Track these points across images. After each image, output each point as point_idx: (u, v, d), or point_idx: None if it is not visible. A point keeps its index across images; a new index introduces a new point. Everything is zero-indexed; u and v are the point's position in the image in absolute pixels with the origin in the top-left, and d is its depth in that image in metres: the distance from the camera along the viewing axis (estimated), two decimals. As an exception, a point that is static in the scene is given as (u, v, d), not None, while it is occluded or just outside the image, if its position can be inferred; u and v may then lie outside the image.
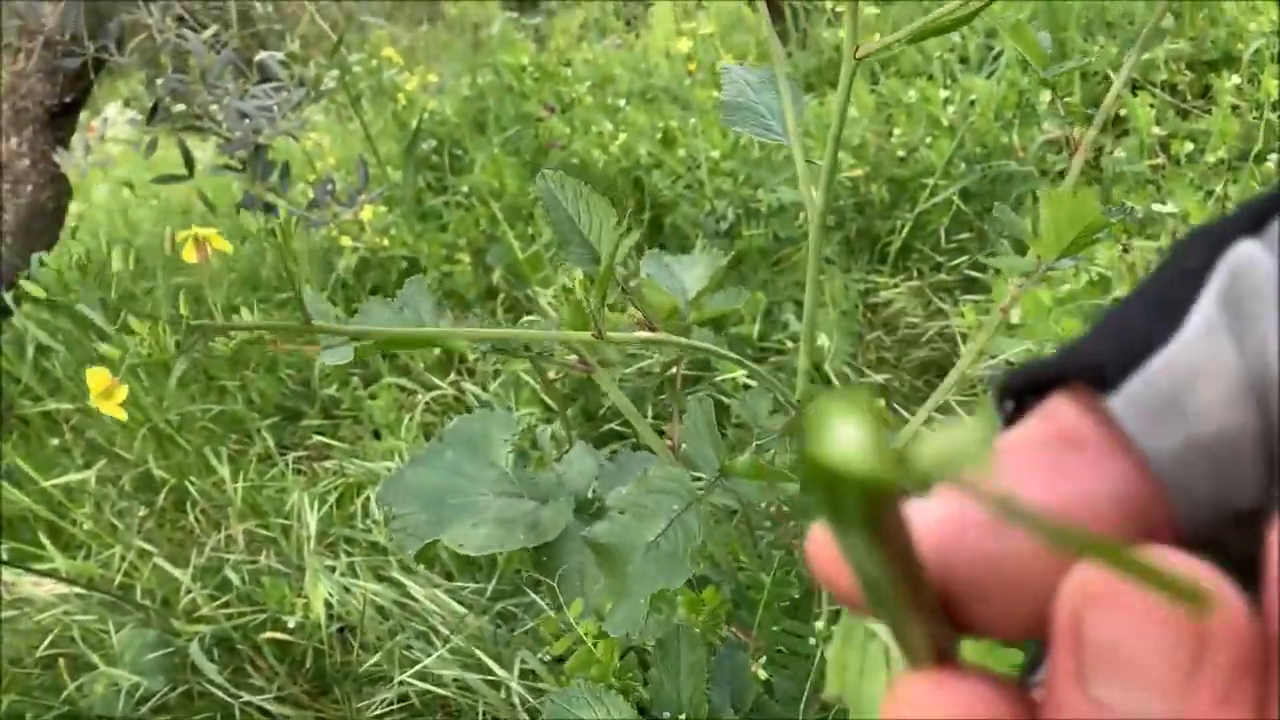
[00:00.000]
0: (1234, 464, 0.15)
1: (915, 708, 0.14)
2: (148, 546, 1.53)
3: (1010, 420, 0.17)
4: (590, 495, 1.06)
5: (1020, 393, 0.17)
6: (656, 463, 1.00)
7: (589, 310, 0.67)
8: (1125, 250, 0.92)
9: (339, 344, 0.80)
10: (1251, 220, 0.17)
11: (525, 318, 1.96)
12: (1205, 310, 0.16)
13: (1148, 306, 0.16)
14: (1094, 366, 0.16)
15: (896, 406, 1.51)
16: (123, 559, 1.52)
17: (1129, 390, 0.15)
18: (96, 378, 0.72)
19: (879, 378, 1.68)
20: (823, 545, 0.15)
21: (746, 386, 1.62)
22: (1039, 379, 0.16)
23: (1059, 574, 0.13)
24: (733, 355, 0.76)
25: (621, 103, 2.80)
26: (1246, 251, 0.16)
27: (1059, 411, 0.16)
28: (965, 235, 2.01)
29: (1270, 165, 1.72)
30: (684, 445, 0.94)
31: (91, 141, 1.98)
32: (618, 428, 1.61)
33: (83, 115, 2.06)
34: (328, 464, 1.74)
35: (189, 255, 0.75)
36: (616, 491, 0.85)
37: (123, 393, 0.72)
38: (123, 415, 0.73)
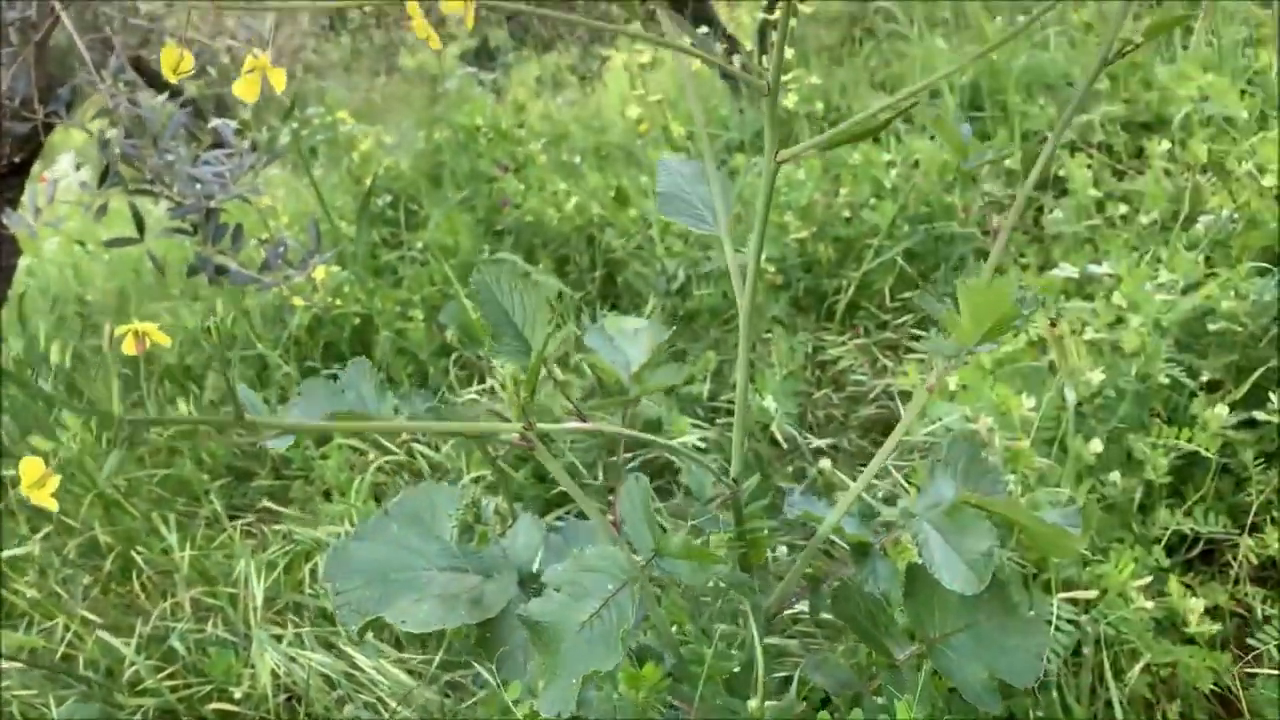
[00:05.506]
0: None
1: None
2: (92, 616, 1.52)
3: None
4: (535, 569, 1.07)
5: None
6: (597, 537, 1.02)
7: (518, 404, 0.69)
8: (1053, 322, 0.95)
9: (276, 434, 0.81)
10: None
11: (474, 384, 1.97)
12: None
13: None
14: None
15: (840, 471, 1.53)
16: (66, 629, 1.50)
17: None
18: (29, 468, 0.72)
19: (823, 442, 1.71)
20: None
21: (697, 447, 1.64)
22: None
23: None
24: (663, 441, 0.78)
25: (576, 159, 2.84)
26: None
27: None
28: (909, 294, 2.05)
29: (1199, 228, 1.78)
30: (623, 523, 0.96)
31: (41, 202, 1.97)
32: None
33: (34, 166, 2.05)
34: (278, 527, 1.73)
35: (129, 348, 0.77)
36: (553, 568, 0.86)
37: (55, 482, 0.73)
38: (54, 505, 0.74)
